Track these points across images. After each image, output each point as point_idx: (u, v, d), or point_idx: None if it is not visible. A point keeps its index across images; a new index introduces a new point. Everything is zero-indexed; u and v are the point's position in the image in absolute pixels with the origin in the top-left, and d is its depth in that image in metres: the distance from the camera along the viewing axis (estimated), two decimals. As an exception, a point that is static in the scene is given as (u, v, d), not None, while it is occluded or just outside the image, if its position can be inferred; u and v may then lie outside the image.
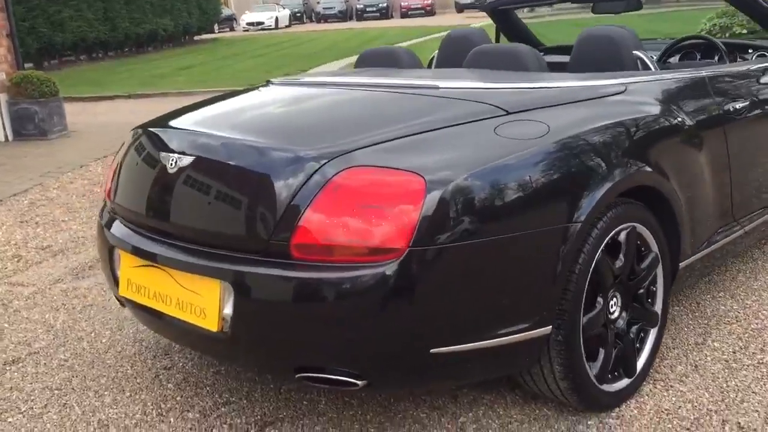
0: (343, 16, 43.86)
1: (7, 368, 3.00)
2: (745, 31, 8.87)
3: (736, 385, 2.49)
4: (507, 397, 2.50)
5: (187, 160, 2.17)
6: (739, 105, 2.88)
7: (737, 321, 2.97)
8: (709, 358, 2.69)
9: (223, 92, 3.64)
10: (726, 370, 2.59)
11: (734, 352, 2.72)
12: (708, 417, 2.33)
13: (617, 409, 2.39)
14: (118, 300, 2.65)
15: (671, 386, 2.51)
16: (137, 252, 2.31)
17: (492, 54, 2.80)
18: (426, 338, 1.94)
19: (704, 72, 2.89)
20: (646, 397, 2.46)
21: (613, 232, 2.24)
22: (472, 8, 40.37)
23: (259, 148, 2.09)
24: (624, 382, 2.39)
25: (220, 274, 2.06)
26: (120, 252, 2.42)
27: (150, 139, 2.42)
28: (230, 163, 2.12)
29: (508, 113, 2.19)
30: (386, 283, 1.87)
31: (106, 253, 2.54)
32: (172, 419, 2.54)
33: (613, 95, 2.46)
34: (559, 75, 2.59)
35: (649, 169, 2.34)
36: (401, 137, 2.05)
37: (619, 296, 2.35)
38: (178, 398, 2.67)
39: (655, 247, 2.43)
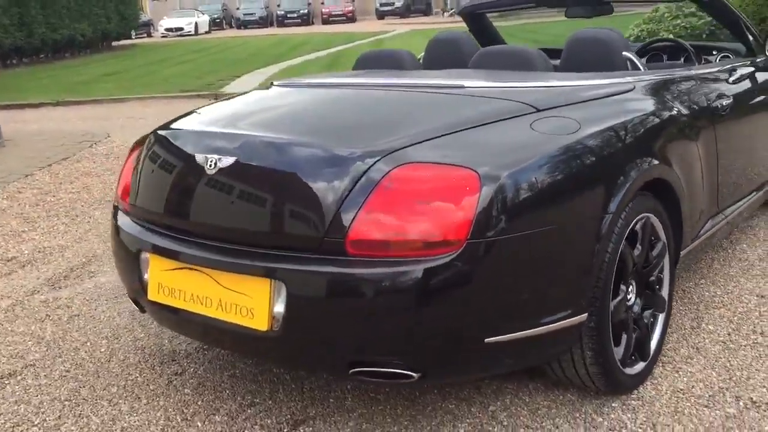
0: (264, 22, 43.58)
1: (6, 382, 2.90)
2: (671, 36, 9.30)
3: (739, 364, 2.66)
4: (529, 385, 2.59)
5: (228, 161, 2.17)
6: (725, 102, 3.07)
7: (724, 305, 3.16)
8: (707, 341, 2.85)
9: (170, 97, 3.56)
10: (726, 351, 2.76)
11: (729, 334, 2.90)
12: (721, 394, 2.47)
13: (636, 391, 2.51)
14: (138, 305, 2.61)
15: (680, 368, 2.66)
16: (172, 255, 2.29)
17: (501, 55, 2.90)
18: (481, 328, 2.01)
19: (693, 71, 3.07)
20: (659, 378, 2.59)
21: (633, 222, 2.36)
22: (392, 15, 40.75)
23: (307, 147, 2.11)
24: (640, 365, 2.51)
25: (270, 273, 2.07)
26: (149, 255, 2.39)
27: (180, 140, 2.40)
28: (278, 162, 2.13)
29: (538, 110, 2.29)
30: (445, 276, 1.93)
31: (128, 257, 2.50)
32: (199, 423, 2.52)
33: (624, 93, 2.59)
34: (570, 75, 2.70)
35: (660, 162, 2.48)
36: (444, 134, 2.11)
37: (634, 283, 2.48)
38: (200, 402, 2.65)
39: (663, 237, 2.58)
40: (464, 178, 1.94)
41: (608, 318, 2.28)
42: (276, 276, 2.06)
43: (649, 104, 2.62)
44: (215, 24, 43.26)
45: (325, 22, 42.14)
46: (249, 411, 2.56)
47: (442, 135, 2.11)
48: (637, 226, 2.42)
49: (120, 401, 2.70)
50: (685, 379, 2.58)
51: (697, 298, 3.24)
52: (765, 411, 2.37)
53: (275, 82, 3.04)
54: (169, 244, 2.32)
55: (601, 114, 2.41)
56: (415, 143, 2.06)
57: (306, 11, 43.42)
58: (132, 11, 29.72)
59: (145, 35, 39.00)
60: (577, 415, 2.40)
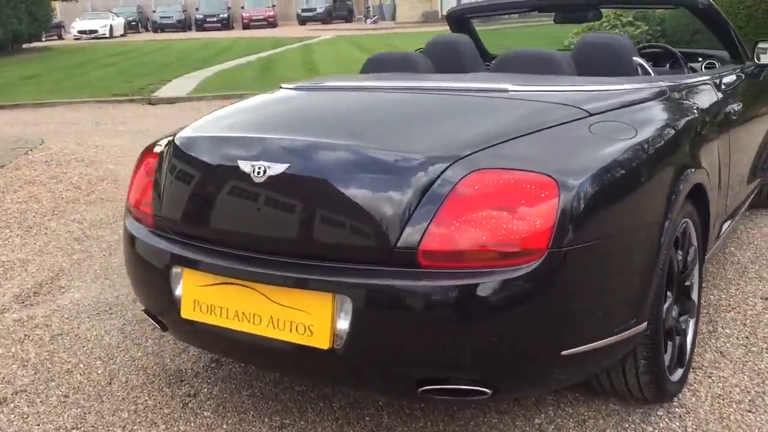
0: (182, 25, 42.63)
1: (-2, 410, 2.66)
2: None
3: (766, 367, 2.69)
4: (568, 395, 2.54)
5: (278, 168, 2.03)
6: (737, 107, 3.12)
7: (732, 309, 3.20)
8: (728, 345, 2.87)
9: (101, 101, 3.29)
10: (749, 354, 2.79)
11: (747, 337, 2.93)
12: (760, 399, 2.48)
13: (676, 399, 2.50)
14: (159, 324, 2.43)
15: (711, 373, 2.66)
16: (212, 269, 2.13)
17: (525, 58, 2.84)
18: (559, 340, 1.94)
19: (707, 77, 3.10)
20: (695, 385, 2.59)
21: (678, 227, 2.34)
22: (314, 21, 40.55)
23: (369, 153, 1.99)
24: (679, 372, 2.50)
25: (334, 287, 1.94)
26: (182, 270, 2.21)
27: (215, 147, 2.24)
28: (338, 169, 2.00)
29: (591, 114, 2.23)
30: (525, 287, 1.85)
31: (152, 271, 2.32)
32: (231, 449, 2.36)
33: (662, 98, 2.57)
34: (604, 79, 2.67)
35: (698, 167, 2.48)
36: (508, 139, 2.03)
37: (674, 290, 2.46)
38: (225, 426, 2.48)
39: (695, 241, 2.58)
40: (542, 185, 1.87)
41: (662, 325, 2.25)
42: (340, 290, 1.93)
43: (684, 109, 2.62)
44: (130, 27, 41.98)
45: (246, 26, 41.54)
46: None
47: (507, 140, 2.03)
48: (679, 232, 2.40)
49: (135, 427, 2.51)
50: (720, 384, 2.58)
51: (705, 302, 3.27)
52: (805, 414, 2.39)
53: (283, 85, 2.89)
54: (209, 257, 2.15)
55: (650, 118, 2.38)
56: (483, 148, 1.97)
57: (226, 15, 42.70)
58: (44, 12, 28.40)
59: (56, 37, 37.43)
60: (627, 425, 2.36)
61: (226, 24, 42.06)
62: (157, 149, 2.48)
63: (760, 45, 3.74)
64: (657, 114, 2.44)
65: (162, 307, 2.35)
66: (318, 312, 1.96)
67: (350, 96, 2.61)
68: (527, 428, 2.38)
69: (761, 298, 3.29)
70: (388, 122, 2.25)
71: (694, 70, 3.79)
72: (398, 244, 1.90)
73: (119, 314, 3.47)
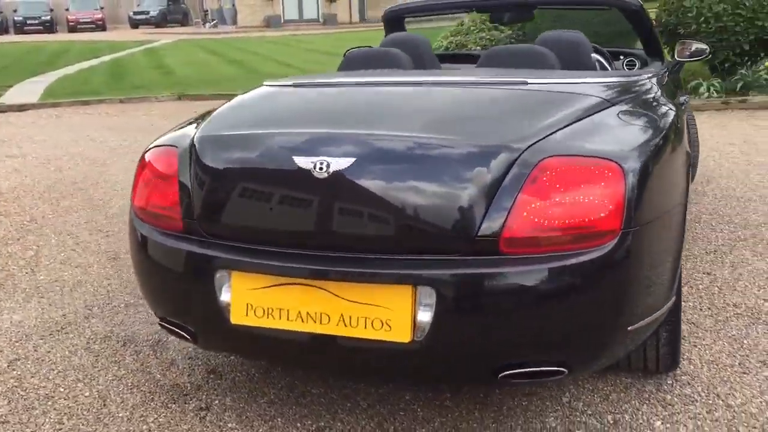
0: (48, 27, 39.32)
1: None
2: (479, 47, 9.97)
3: (737, 334, 2.95)
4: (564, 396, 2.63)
5: (344, 163, 1.99)
6: (683, 98, 3.41)
7: (684, 283, 3.47)
8: (696, 316, 3.12)
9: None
10: (718, 323, 3.03)
11: (709, 308, 3.19)
12: (748, 361, 2.73)
13: (678, 368, 2.69)
14: (190, 335, 2.29)
15: (695, 342, 2.89)
16: (269, 270, 2.04)
17: (514, 54, 2.93)
18: (628, 316, 2.04)
19: (661, 71, 3.36)
20: (688, 354, 2.79)
21: None
22: (147, 24, 38.97)
23: (437, 143, 2.00)
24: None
25: (414, 279, 1.93)
26: (232, 274, 2.11)
27: (260, 143, 2.14)
28: (409, 160, 1.98)
29: (613, 104, 2.36)
30: (603, 268, 1.94)
31: (190, 278, 2.19)
32: (276, 457, 2.27)
33: (652, 88, 2.76)
34: (599, 72, 2.81)
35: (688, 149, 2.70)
36: (561, 128, 2.09)
37: None
38: (257, 436, 2.39)
39: None
40: (609, 169, 1.97)
41: (681, 298, 2.43)
42: (423, 282, 1.93)
43: (668, 98, 2.83)
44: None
45: (72, 29, 39.12)
46: (323, 436, 2.36)
47: (560, 128, 2.09)
48: None
49: (158, 448, 2.35)
50: (707, 352, 2.81)
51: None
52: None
53: (270, 83, 2.79)
54: (263, 259, 2.07)
55: (656, 107, 2.55)
56: (544, 137, 2.03)
57: (48, 18, 40.01)
58: None
59: None
60: (646, 395, 2.52)
61: (49, 27, 39.41)
62: (172, 150, 2.33)
63: (679, 45, 4.08)
64: (658, 103, 2.62)
65: (200, 315, 2.22)
66: (397, 305, 1.95)
67: (376, 90, 2.56)
68: (557, 407, 2.47)
69: (704, 273, 3.60)
70: (439, 114, 2.24)
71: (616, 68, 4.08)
72: (479, 233, 1.92)
73: (76, 333, 3.23)
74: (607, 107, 2.32)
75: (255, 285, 2.08)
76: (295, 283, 2.03)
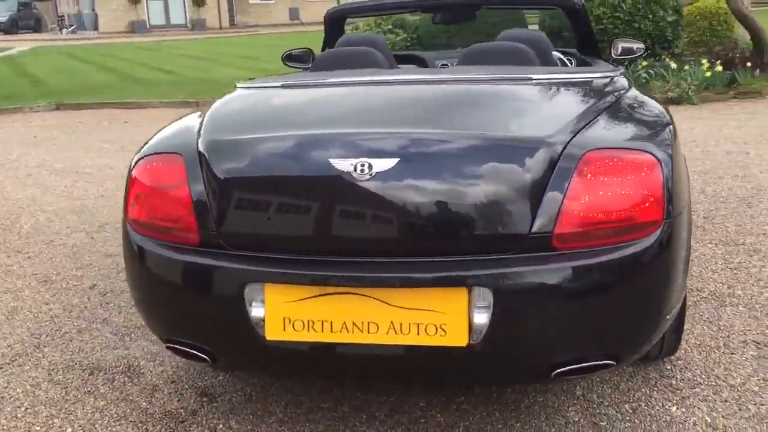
0: None
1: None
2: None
3: (711, 315, 3.08)
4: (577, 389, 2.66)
5: (387, 164, 1.89)
6: None
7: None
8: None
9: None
10: (690, 307, 3.17)
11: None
12: (731, 342, 2.86)
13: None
14: (208, 356, 2.12)
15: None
16: (309, 280, 1.92)
17: (497, 52, 2.92)
18: (667, 304, 2.07)
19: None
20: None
21: None
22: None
23: (486, 141, 1.95)
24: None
25: (469, 281, 1.87)
26: (266, 287, 1.96)
27: (288, 146, 2.01)
28: (456, 159, 1.92)
29: (620, 97, 2.37)
30: (650, 258, 1.95)
31: (213, 295, 2.03)
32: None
33: (626, 83, 2.79)
34: (577, 68, 2.84)
35: None
36: (590, 121, 2.08)
37: None
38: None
39: None
40: (649, 161, 1.99)
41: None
42: (478, 283, 1.87)
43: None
44: None
45: None
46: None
47: (590, 122, 2.08)
48: None
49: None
50: (691, 336, 2.91)
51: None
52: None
53: (269, 84, 2.64)
54: (302, 268, 1.94)
55: (651, 99, 2.60)
56: (579, 130, 2.02)
57: None
58: None
59: None
60: (653, 382, 2.58)
61: None
62: (175, 157, 2.15)
63: (620, 44, 4.21)
64: (649, 96, 2.68)
65: (224, 334, 2.06)
66: (452, 309, 1.88)
67: (391, 89, 2.47)
68: (574, 401, 2.48)
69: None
70: (470, 111, 2.19)
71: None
72: (532, 230, 1.89)
73: (32, 364, 2.94)
74: (617, 100, 2.35)
75: (292, 297, 1.95)
76: (338, 293, 1.93)
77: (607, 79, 2.57)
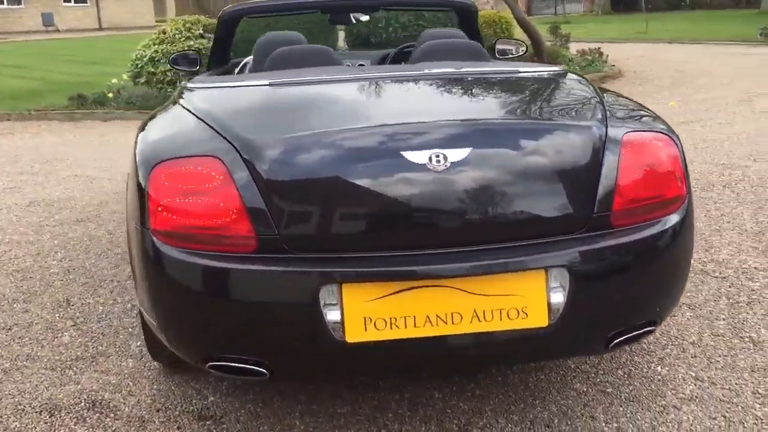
0: None
1: None
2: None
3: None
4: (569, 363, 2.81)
5: (461, 153, 1.90)
6: None
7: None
8: None
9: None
10: None
11: None
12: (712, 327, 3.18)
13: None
14: (263, 368, 1.98)
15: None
16: (389, 277, 1.87)
17: (453, 49, 2.98)
18: (688, 273, 2.28)
19: None
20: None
21: None
22: None
23: (545, 128, 2.04)
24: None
25: (549, 263, 1.93)
26: (343, 287, 1.87)
27: (356, 140, 1.94)
28: (522, 147, 1.97)
29: (594, 87, 2.57)
30: (685, 228, 2.15)
31: (281, 303, 1.90)
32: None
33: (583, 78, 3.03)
34: (533, 63, 3.00)
35: None
36: (605, 107, 2.23)
37: None
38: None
39: None
40: (668, 142, 2.17)
41: None
42: (554, 264, 1.94)
43: None
44: None
45: None
46: None
47: (605, 108, 2.23)
48: None
49: None
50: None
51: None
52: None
53: (236, 83, 2.53)
54: (381, 265, 1.89)
55: (610, 91, 2.82)
56: (604, 115, 2.17)
57: None
58: None
59: None
60: (627, 348, 2.81)
61: None
62: (212, 160, 1.97)
63: (498, 45, 4.47)
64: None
65: (294, 343, 1.94)
66: (531, 292, 1.94)
67: (411, 84, 2.50)
68: (574, 374, 2.63)
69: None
70: (508, 101, 2.29)
71: None
72: (594, 211, 2.00)
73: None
74: (596, 90, 2.54)
75: (371, 296, 1.89)
76: (420, 286, 1.90)
77: (572, 74, 2.76)
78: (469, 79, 2.51)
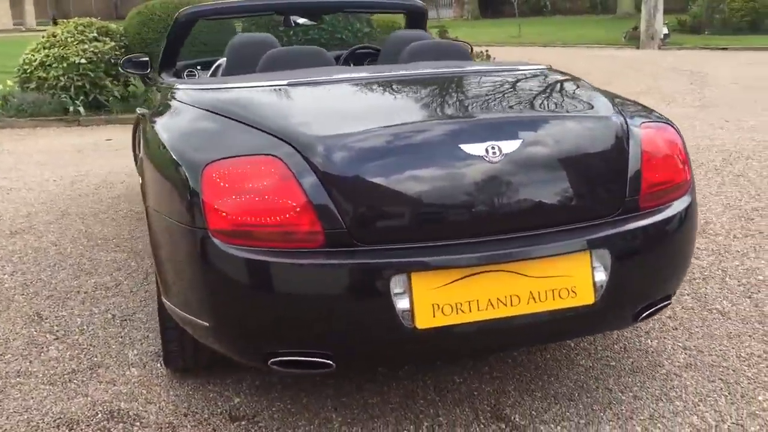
0: None
1: None
2: (83, 59, 9.24)
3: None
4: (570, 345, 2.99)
5: (514, 145, 2.03)
6: None
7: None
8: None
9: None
10: None
11: None
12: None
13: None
14: (328, 359, 2.03)
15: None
16: (453, 264, 1.97)
17: (439, 49, 3.10)
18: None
19: None
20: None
21: None
22: None
23: (577, 119, 2.22)
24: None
25: (590, 245, 2.09)
26: (412, 276, 1.95)
27: (415, 135, 2.03)
28: (564, 138, 2.13)
29: (581, 83, 2.77)
30: (694, 209, 2.37)
31: (352, 294, 1.95)
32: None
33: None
34: (518, 61, 3.15)
35: None
36: (611, 102, 2.43)
37: None
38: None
39: None
40: (673, 132, 2.40)
41: None
42: (597, 245, 2.10)
43: None
44: None
45: None
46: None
47: (610, 102, 2.43)
48: None
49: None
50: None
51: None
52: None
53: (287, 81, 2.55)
54: (446, 253, 1.98)
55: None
56: (615, 109, 2.36)
57: None
58: None
59: None
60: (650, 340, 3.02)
61: None
62: (272, 159, 2.00)
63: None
64: None
65: (364, 332, 2.00)
66: (579, 272, 2.08)
67: (442, 80, 2.61)
68: (575, 351, 2.82)
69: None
70: (533, 96, 2.45)
71: None
72: (627, 195, 2.19)
73: (-24, 435, 2.40)
74: (588, 84, 2.74)
75: (438, 283, 1.98)
76: (481, 272, 2.01)
77: (557, 71, 2.96)
78: (486, 77, 2.65)
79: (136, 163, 5.52)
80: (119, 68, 4.27)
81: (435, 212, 2.03)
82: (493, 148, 2.02)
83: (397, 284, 1.97)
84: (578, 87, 2.58)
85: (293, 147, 2.02)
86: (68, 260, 4.03)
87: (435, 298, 1.98)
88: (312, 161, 1.99)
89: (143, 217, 4.81)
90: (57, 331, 3.15)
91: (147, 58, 4.13)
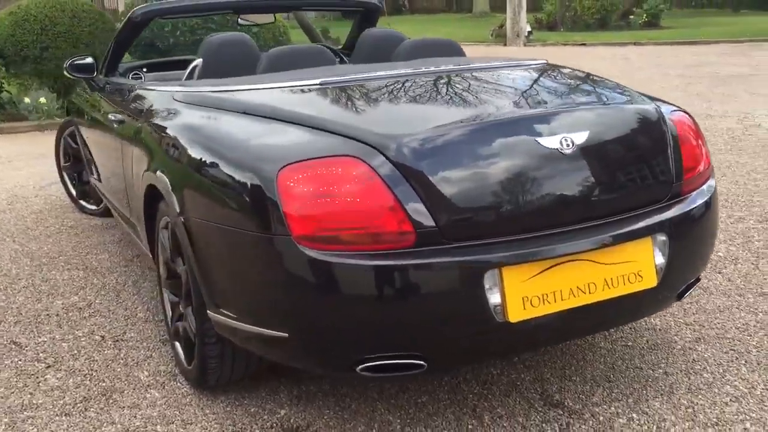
0: None
1: None
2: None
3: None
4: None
5: (583, 136, 2.09)
6: None
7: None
8: None
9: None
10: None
11: None
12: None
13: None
14: (421, 360, 2.01)
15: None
16: (538, 256, 2.01)
17: (433, 45, 3.10)
18: None
19: None
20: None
21: None
22: None
23: (628, 111, 2.32)
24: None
25: (651, 230, 2.18)
26: (503, 271, 1.96)
27: (493, 131, 2.06)
28: (621, 129, 2.24)
29: (587, 74, 2.88)
30: (716, 191, 2.52)
31: (458, 290, 1.97)
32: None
33: None
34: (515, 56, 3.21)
35: None
36: (626, 93, 2.55)
37: None
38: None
39: None
40: (692, 120, 2.54)
41: None
42: (657, 230, 2.19)
43: None
44: None
45: None
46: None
47: (627, 94, 2.55)
48: None
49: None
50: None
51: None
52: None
53: (319, 80, 2.49)
54: (533, 246, 2.01)
55: None
56: (646, 98, 2.49)
57: None
58: None
59: None
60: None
61: None
62: (354, 161, 1.95)
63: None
64: None
65: (459, 329, 1.99)
66: (642, 257, 2.17)
67: (475, 77, 2.63)
68: (609, 345, 2.92)
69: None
70: (574, 89, 2.55)
71: None
72: (674, 180, 2.30)
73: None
74: (596, 75, 2.85)
75: (525, 276, 2.01)
76: (563, 262, 2.06)
77: (558, 65, 3.06)
78: (516, 71, 2.72)
79: (61, 175, 5.16)
80: (64, 72, 3.96)
81: (518, 206, 2.05)
82: (566, 140, 2.08)
83: (489, 279, 1.97)
84: (599, 79, 2.69)
85: (371, 146, 1.98)
86: (19, 282, 3.72)
87: (524, 291, 2.01)
88: (394, 161, 1.96)
89: (80, 232, 4.56)
90: (45, 358, 2.90)
91: (92, 60, 3.89)
